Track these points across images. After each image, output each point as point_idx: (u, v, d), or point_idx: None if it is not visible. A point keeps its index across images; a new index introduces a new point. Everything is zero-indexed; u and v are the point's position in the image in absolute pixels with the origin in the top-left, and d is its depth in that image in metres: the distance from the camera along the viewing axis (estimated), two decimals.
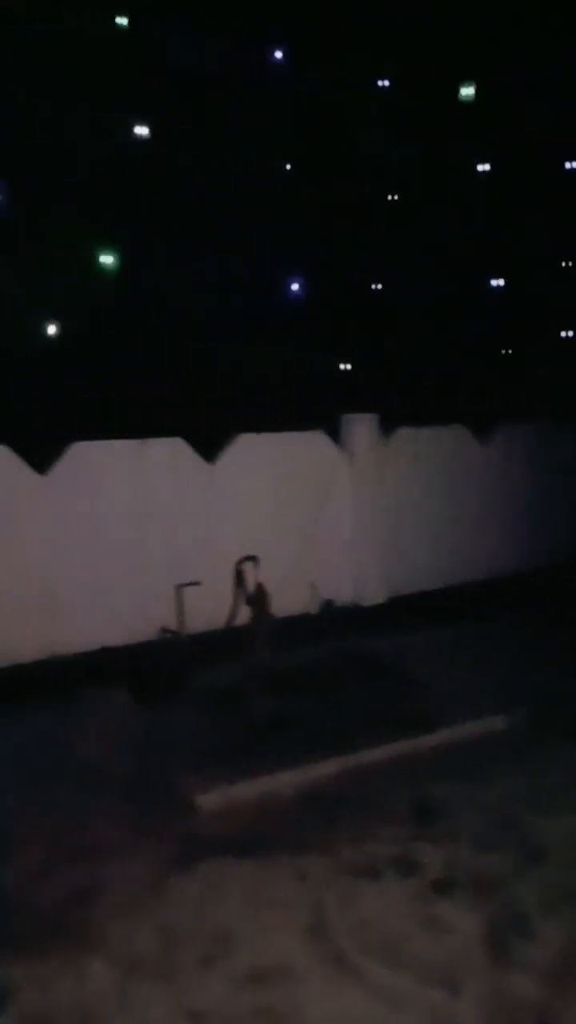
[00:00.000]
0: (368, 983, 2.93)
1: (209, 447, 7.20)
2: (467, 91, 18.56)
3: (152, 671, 5.90)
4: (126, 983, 2.94)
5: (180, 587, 6.43)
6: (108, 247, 8.13)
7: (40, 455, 6.51)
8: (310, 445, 7.75)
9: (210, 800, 4.18)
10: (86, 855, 3.76)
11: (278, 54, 14.93)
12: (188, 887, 3.49)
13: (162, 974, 2.98)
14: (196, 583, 6.34)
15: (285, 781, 4.39)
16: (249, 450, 7.32)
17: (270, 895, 3.45)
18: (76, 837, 3.92)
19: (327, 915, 3.31)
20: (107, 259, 8.16)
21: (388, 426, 8.07)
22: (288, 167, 14.50)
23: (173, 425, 7.25)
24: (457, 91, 17.32)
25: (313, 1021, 2.80)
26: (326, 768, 4.53)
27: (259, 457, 7.36)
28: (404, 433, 8.19)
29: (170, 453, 7.01)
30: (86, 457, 6.63)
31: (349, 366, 15.47)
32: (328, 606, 7.57)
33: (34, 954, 3.10)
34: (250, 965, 3.03)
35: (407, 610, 7.64)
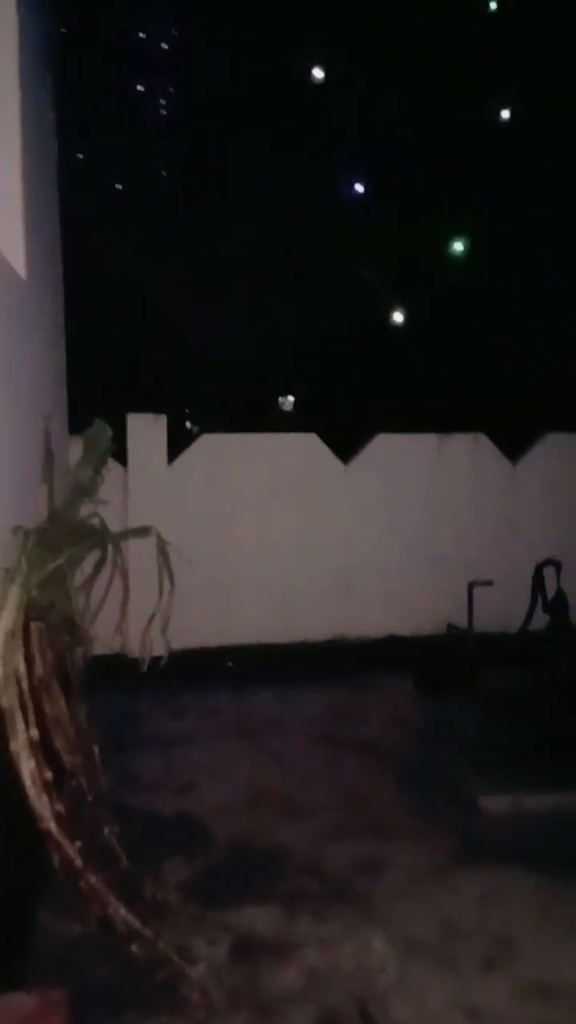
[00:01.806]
0: None
1: (513, 445, 6.97)
2: None
3: (438, 665, 5.85)
4: (406, 964, 2.93)
5: (472, 585, 6.31)
6: (456, 235, 8.02)
7: (345, 444, 6.74)
8: None
9: (497, 803, 4.04)
10: (369, 830, 3.82)
11: None
12: (471, 885, 3.40)
13: (442, 964, 2.93)
14: (489, 582, 6.18)
15: None
16: (557, 451, 6.97)
17: (561, 916, 3.23)
18: (360, 810, 4.01)
19: None
20: (454, 247, 8.04)
21: None
22: None
23: (476, 420, 7.10)
24: None
25: None
26: None
27: (568, 459, 6.97)
28: None
29: (472, 449, 6.90)
30: (388, 448, 6.76)
31: None
32: None
33: (318, 915, 3.22)
34: (535, 979, 2.87)
35: None
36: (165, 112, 8.94)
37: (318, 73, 7.44)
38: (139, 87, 8.81)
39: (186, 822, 3.93)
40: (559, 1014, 2.70)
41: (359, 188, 8.00)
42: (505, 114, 7.39)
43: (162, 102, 8.93)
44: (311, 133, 7.99)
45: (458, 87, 7.86)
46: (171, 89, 8.91)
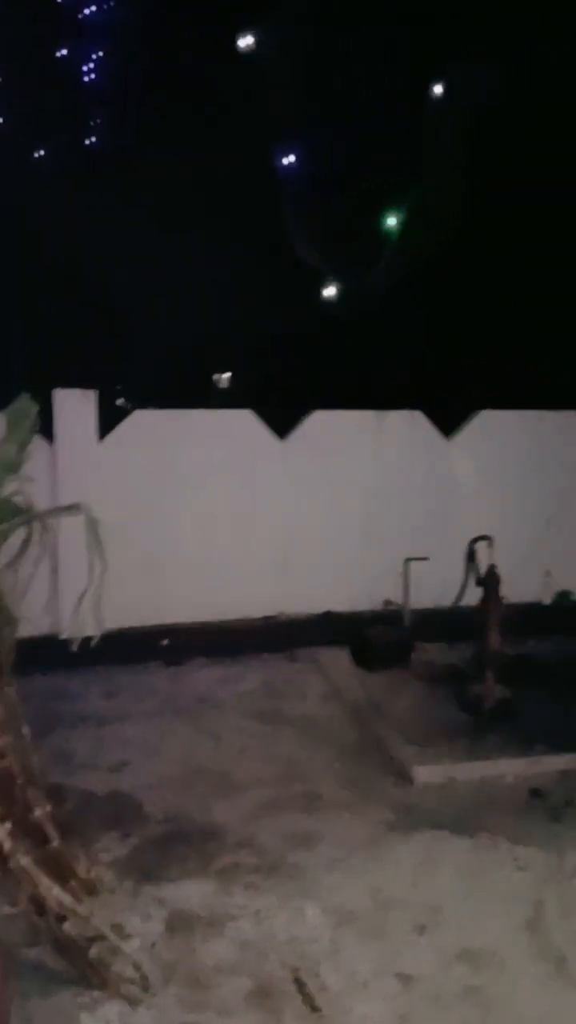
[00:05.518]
0: None
1: (449, 422, 7.04)
2: None
3: (375, 640, 5.92)
4: (338, 934, 2.97)
5: (408, 561, 6.38)
6: (394, 211, 7.93)
7: (281, 420, 6.71)
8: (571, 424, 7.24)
9: (428, 773, 4.12)
10: (304, 804, 3.86)
11: None
12: (402, 854, 3.47)
13: (373, 933, 2.98)
14: (424, 559, 6.26)
15: (508, 769, 4.22)
16: (489, 428, 7.06)
17: (487, 880, 3.33)
18: (296, 784, 4.03)
19: (547, 913, 3.14)
20: (390, 223, 7.95)
21: None
22: None
23: (413, 398, 7.13)
24: None
25: (525, 1017, 2.67)
26: (554, 763, 4.30)
27: (499, 436, 7.08)
28: None
29: (408, 426, 6.93)
30: (325, 425, 6.75)
31: None
32: (564, 597, 7.15)
33: (252, 889, 3.23)
34: (462, 944, 2.95)
35: None
36: (94, 78, 8.68)
37: (249, 40, 7.27)
38: (64, 52, 8.53)
39: (120, 800, 3.91)
40: (485, 980, 2.78)
41: (292, 160, 7.90)
42: (438, 89, 7.37)
43: (90, 68, 8.67)
44: (246, 104, 7.85)
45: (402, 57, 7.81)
46: (100, 55, 8.65)
